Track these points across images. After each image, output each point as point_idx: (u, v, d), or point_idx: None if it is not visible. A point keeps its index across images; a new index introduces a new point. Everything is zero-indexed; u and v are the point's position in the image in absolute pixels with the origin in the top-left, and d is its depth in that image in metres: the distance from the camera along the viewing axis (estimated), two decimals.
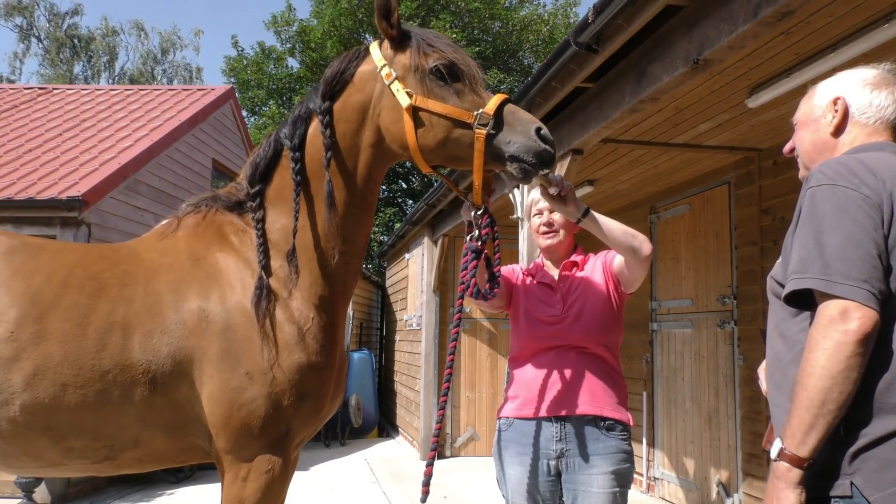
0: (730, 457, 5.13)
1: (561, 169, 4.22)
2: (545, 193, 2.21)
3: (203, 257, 2.16)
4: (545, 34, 20.83)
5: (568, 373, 2.36)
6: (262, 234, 2.18)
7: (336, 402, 2.30)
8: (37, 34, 30.70)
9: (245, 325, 2.06)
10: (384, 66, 2.13)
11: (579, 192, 2.74)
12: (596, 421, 2.33)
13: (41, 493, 6.47)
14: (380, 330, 15.86)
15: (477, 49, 19.49)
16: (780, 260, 1.58)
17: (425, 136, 2.08)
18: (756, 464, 4.78)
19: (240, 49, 22.10)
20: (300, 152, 2.21)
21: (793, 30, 2.94)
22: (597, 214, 2.26)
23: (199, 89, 11.32)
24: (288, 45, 21.73)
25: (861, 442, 1.35)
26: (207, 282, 2.11)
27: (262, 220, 2.21)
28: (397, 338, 12.12)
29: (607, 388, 2.37)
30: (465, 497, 6.60)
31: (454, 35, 18.65)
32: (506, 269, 2.58)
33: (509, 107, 2.07)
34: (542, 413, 2.35)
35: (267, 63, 21.54)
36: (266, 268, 2.13)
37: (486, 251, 2.20)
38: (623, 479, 2.33)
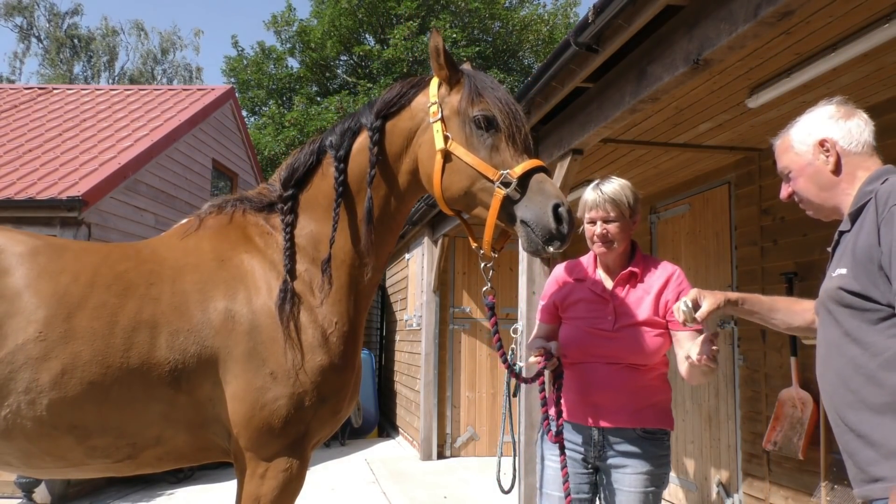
0: (730, 457, 5.13)
1: (560, 169, 4.20)
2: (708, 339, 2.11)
3: (228, 258, 2.20)
4: (545, 34, 20.81)
5: (615, 385, 2.37)
6: (291, 238, 2.23)
7: (352, 405, 2.34)
8: (37, 34, 30.71)
9: (270, 326, 2.10)
10: (434, 103, 2.20)
11: (580, 192, 2.73)
12: (636, 429, 2.37)
13: (41, 493, 6.46)
14: (380, 330, 15.83)
15: (477, 49, 19.47)
16: (844, 271, 1.63)
17: (450, 179, 2.14)
18: (756, 464, 4.78)
19: (240, 49, 22.11)
20: (344, 164, 2.25)
21: (793, 30, 2.93)
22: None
23: (199, 89, 11.31)
24: (288, 45, 21.73)
25: None
26: (233, 282, 2.15)
27: (292, 225, 2.25)
28: (397, 338, 12.11)
29: (653, 400, 2.39)
30: (465, 497, 6.60)
31: (454, 35, 18.67)
32: (548, 283, 2.62)
33: (539, 175, 2.09)
34: (586, 422, 2.40)
35: (267, 63, 21.52)
36: (291, 271, 2.17)
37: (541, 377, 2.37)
38: (658, 480, 2.37)
